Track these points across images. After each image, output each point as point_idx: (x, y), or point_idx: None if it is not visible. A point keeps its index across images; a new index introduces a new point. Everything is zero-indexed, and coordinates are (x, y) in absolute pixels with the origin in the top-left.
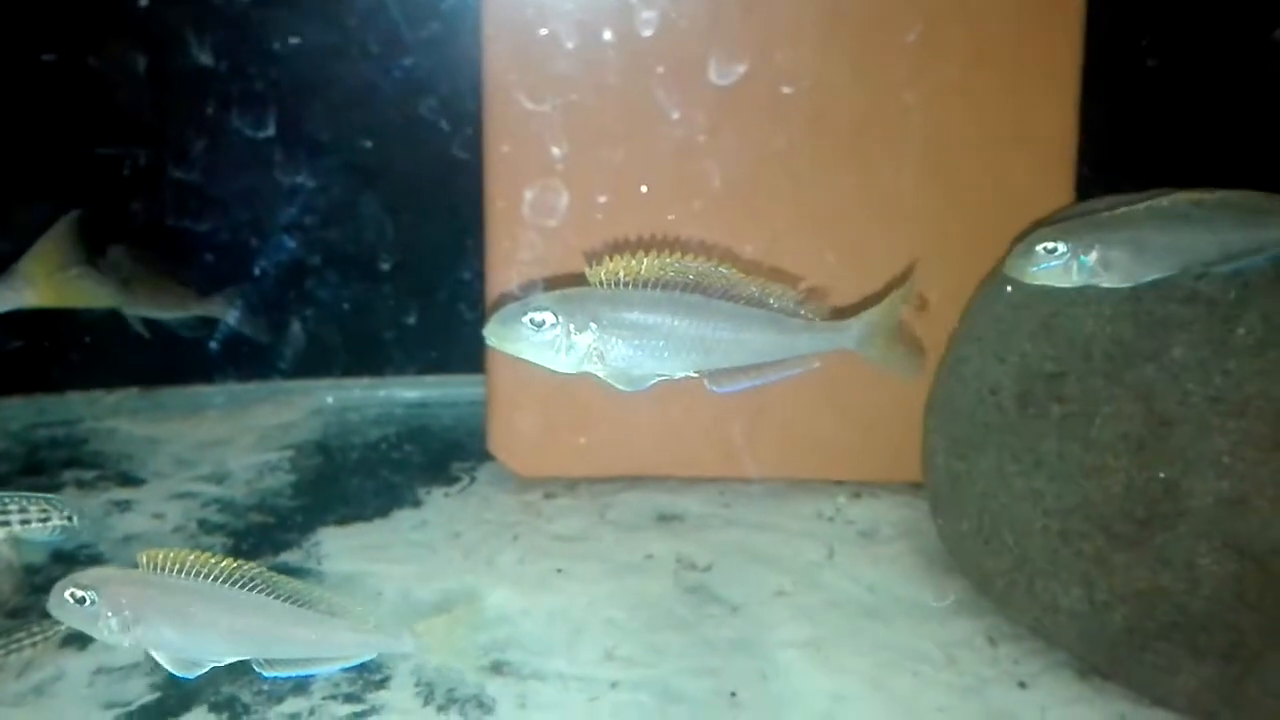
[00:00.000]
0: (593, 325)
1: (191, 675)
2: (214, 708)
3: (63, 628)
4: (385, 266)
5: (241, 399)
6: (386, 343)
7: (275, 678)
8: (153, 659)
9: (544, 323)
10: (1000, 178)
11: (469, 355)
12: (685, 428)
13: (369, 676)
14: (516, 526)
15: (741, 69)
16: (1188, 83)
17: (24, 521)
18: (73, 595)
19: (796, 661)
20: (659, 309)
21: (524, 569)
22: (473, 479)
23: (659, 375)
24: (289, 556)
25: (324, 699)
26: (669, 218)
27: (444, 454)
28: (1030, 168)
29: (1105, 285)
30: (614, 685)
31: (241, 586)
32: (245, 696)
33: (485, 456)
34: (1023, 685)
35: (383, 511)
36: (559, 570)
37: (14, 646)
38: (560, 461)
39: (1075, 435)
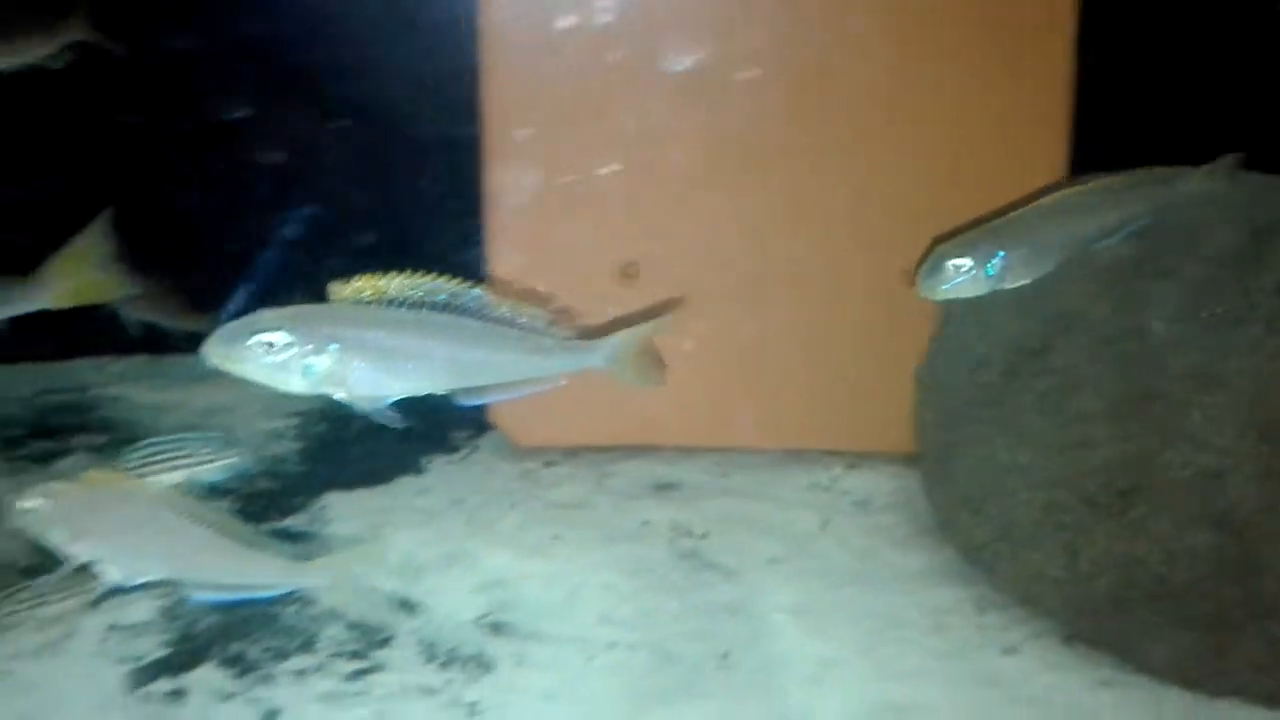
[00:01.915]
0: (332, 346)
1: (130, 584)
2: (223, 663)
3: (94, 587)
4: (388, 235)
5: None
6: None
7: (202, 600)
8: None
9: (274, 344)
10: (990, 155)
11: None
12: (685, 398)
13: (372, 636)
14: (516, 494)
15: (725, 50)
16: (1185, 54)
17: (197, 464)
18: (24, 507)
19: (787, 626)
20: (407, 329)
21: (523, 535)
22: (474, 448)
23: (404, 394)
24: (295, 520)
25: (330, 656)
26: (668, 191)
27: (446, 423)
28: (1021, 144)
29: (1009, 286)
30: (610, 646)
31: (175, 511)
32: (253, 653)
33: (487, 426)
34: (1009, 652)
35: (386, 478)
36: (556, 536)
37: (39, 601)
38: (560, 431)
39: (1058, 408)
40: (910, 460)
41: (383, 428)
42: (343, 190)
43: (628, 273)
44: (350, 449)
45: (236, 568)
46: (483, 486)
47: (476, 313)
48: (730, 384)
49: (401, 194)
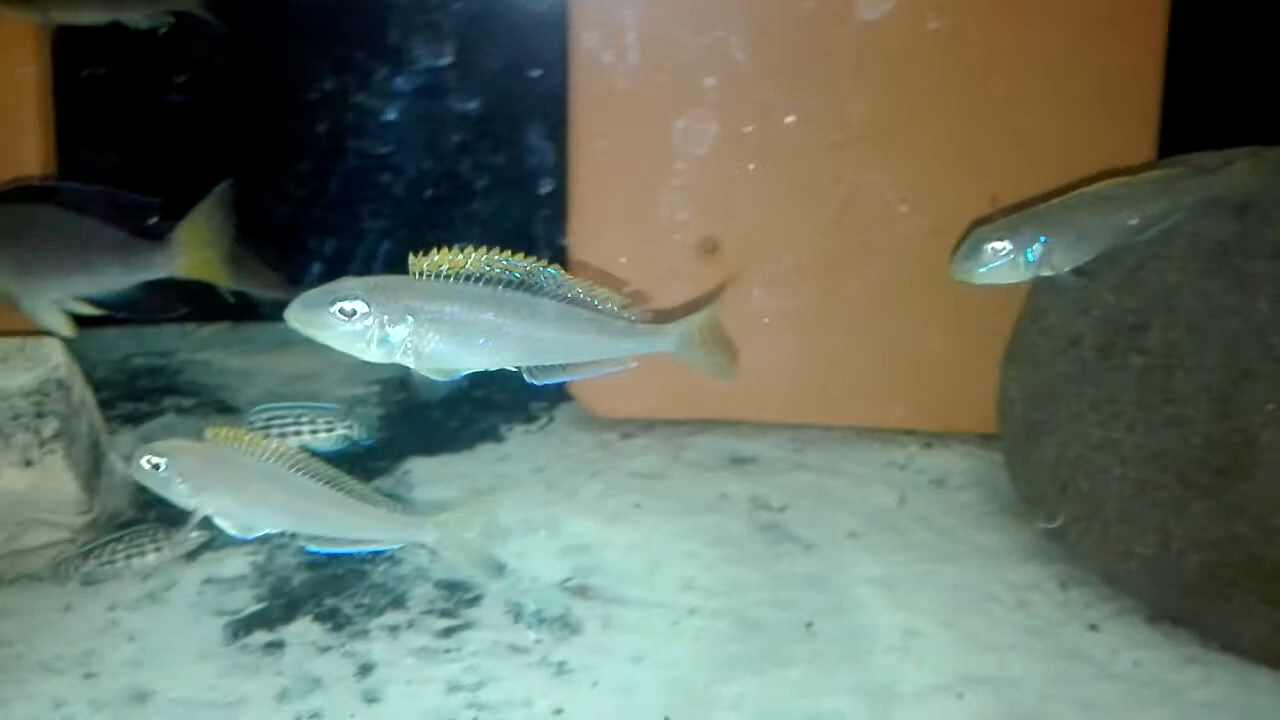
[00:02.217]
0: (408, 319)
1: (248, 537)
2: (318, 618)
3: (192, 539)
4: (475, 211)
5: None
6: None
7: (318, 553)
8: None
9: (354, 313)
10: (1082, 133)
11: None
12: (759, 373)
13: (460, 595)
14: (596, 463)
15: (807, 27)
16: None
17: (314, 432)
18: (148, 462)
19: (870, 598)
20: (481, 305)
21: (604, 503)
22: (551, 418)
23: (476, 369)
24: (381, 483)
25: (421, 613)
26: (749, 166)
27: (521, 394)
28: (1113, 123)
29: (1046, 273)
30: (693, 612)
31: (292, 468)
32: (347, 608)
33: (562, 398)
34: (1093, 628)
35: (467, 444)
36: (637, 505)
37: (134, 551)
38: (636, 403)
39: (1156, 386)
40: (985, 440)
41: (459, 396)
42: (431, 168)
43: (708, 248)
44: (430, 416)
45: (353, 522)
46: (562, 455)
47: (551, 292)
48: (806, 360)
49: (488, 171)
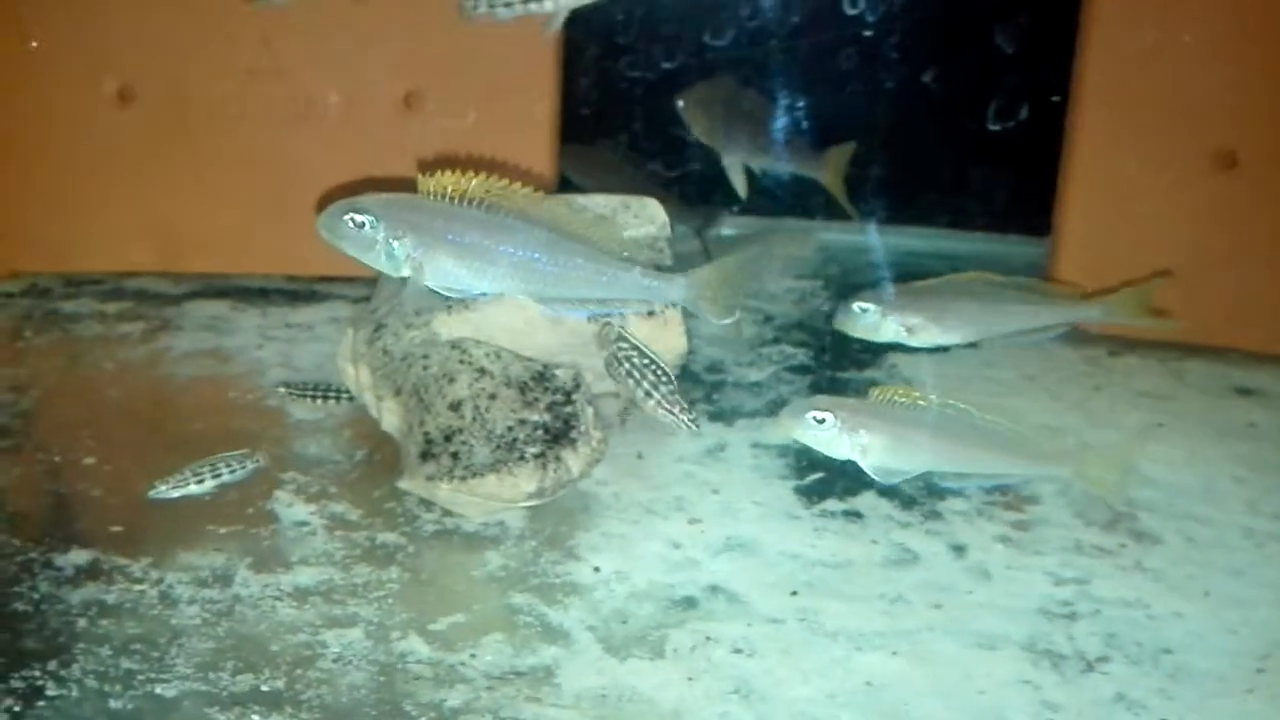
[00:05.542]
0: (410, 235)
1: (891, 482)
2: (882, 493)
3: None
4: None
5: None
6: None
7: (953, 488)
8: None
9: (363, 224)
10: None
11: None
12: (1262, 301)
13: (1015, 489)
14: (1092, 377)
15: None
16: None
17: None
18: (815, 418)
19: None
20: (481, 229)
21: (1119, 417)
22: None
23: (481, 292)
24: (871, 373)
25: (985, 504)
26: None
27: None
28: None
29: (913, 344)
30: (1272, 536)
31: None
32: (904, 487)
33: None
34: None
35: (943, 346)
36: (1159, 424)
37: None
38: None
39: None
40: None
41: None
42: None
43: (1220, 161)
44: None
45: (997, 460)
46: (1050, 367)
47: (549, 225)
48: None
49: (999, 77)
